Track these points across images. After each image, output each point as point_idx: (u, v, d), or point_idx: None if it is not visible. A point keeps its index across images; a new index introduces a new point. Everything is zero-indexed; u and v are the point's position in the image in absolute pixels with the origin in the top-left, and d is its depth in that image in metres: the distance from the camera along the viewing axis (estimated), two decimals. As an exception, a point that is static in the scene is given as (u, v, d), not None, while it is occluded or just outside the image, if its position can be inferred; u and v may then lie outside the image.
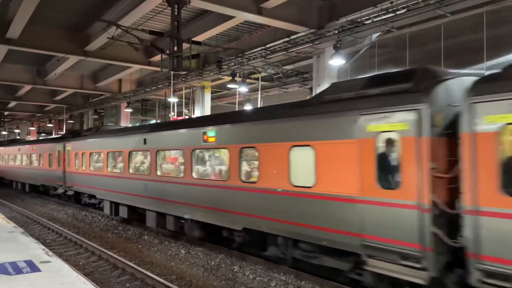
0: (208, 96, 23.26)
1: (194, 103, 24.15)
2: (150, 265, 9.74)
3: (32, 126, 44.48)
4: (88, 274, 8.74)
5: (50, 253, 5.97)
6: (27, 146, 26.50)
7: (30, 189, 25.24)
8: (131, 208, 13.86)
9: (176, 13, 11.70)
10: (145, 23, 14.99)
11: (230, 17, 14.19)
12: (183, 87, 22.72)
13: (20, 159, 26.97)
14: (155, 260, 10.21)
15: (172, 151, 12.17)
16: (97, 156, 16.42)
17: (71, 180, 18.45)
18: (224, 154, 10.07)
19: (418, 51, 12.38)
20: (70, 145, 18.68)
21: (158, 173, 12.20)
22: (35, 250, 6.11)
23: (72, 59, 19.27)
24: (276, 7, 13.27)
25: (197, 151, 10.75)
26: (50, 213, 18.50)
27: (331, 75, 14.82)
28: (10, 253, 5.81)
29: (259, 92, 21.23)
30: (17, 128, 47.40)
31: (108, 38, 12.67)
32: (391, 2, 11.32)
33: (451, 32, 11.46)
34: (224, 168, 10.10)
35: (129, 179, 13.61)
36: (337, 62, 13.23)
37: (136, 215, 13.85)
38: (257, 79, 21.32)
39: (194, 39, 13.88)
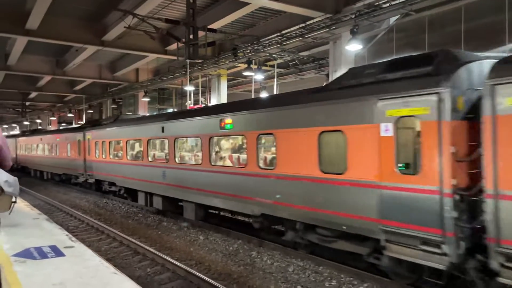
0: (224, 84, 23.32)
1: (210, 91, 24.23)
2: (170, 250, 9.94)
3: (53, 116, 45.40)
4: (110, 259, 8.98)
5: (74, 238, 6.13)
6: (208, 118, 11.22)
7: (200, 214, 12.08)
8: None
9: (191, 0, 11.70)
10: (160, 12, 15.04)
11: (245, 4, 14.10)
12: (199, 76, 22.79)
13: (190, 150, 13.39)
14: (175, 245, 10.41)
15: None
16: None
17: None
18: None
19: (438, 34, 12.11)
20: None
21: None
22: (59, 236, 6.28)
23: (90, 49, 19.54)
24: (291, -8, 13.13)
25: None
26: (73, 201, 18.97)
27: (348, 61, 14.63)
28: (35, 239, 5.99)
29: (275, 79, 21.13)
30: (39, 118, 48.44)
31: (124, 27, 12.77)
32: (410, -16, 11.05)
33: (472, 14, 11.17)
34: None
35: None
36: (354, 47, 13.04)
37: None
38: (273, 66, 21.20)
39: (210, 26, 13.87)
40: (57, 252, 5.75)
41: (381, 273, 7.41)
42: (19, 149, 34.42)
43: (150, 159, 14.02)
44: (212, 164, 10.92)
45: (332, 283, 7.51)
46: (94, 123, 20.97)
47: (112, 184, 17.53)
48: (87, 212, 15.63)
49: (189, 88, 21.77)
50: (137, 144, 15.72)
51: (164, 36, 17.22)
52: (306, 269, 8.25)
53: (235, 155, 11.48)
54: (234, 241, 10.41)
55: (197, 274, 7.67)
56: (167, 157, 12.95)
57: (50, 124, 46.01)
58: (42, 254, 5.62)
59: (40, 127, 44.29)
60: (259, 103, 9.82)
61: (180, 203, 13.08)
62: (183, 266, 8.15)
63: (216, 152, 11.39)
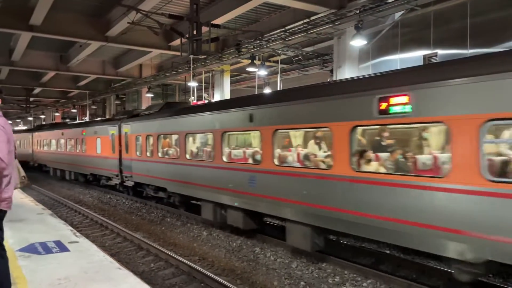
0: (227, 80, 23.31)
1: (213, 87, 24.22)
2: (173, 246, 9.96)
3: (57, 112, 45.53)
4: (114, 255, 9.00)
5: (78, 234, 6.17)
6: None
7: (318, 242, 8.28)
8: None
9: (195, -4, 11.67)
10: (164, 7, 15.00)
11: (249, -1, 14.04)
12: (203, 71, 22.77)
13: None
14: (178, 241, 10.43)
15: None
16: None
17: None
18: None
19: (443, 30, 12.01)
20: None
21: None
22: (63, 231, 6.33)
23: (94, 44, 19.52)
24: (295, -13, 13.07)
25: None
26: (77, 196, 19.04)
27: (352, 56, 14.59)
28: (40, 234, 6.04)
29: (279, 75, 21.08)
30: (43, 114, 48.59)
31: (128, 23, 12.75)
32: (415, -21, 10.97)
33: (478, 9, 11.06)
34: None
35: None
36: (358, 42, 12.97)
37: None
38: (276, 62, 21.16)
39: (213, 22, 13.82)
40: (61, 247, 5.80)
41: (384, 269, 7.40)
42: (35, 145, 30.86)
43: (225, 159, 10.19)
44: (356, 169, 6.86)
45: (335, 280, 7.50)
46: (132, 113, 17.31)
47: (159, 189, 14.10)
48: (91, 208, 15.68)
49: (193, 84, 21.76)
50: (202, 139, 12.29)
51: (167, 31, 17.21)
52: (309, 265, 8.24)
53: (407, 158, 7.06)
54: (237, 237, 10.41)
55: (201, 269, 7.68)
56: (259, 157, 9.27)
57: (54, 120, 46.13)
58: (47, 249, 5.67)
59: (62, 121, 40.54)
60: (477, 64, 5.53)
61: (265, 220, 10.14)
62: (186, 262, 8.16)
63: (362, 152, 7.24)
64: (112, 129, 17.34)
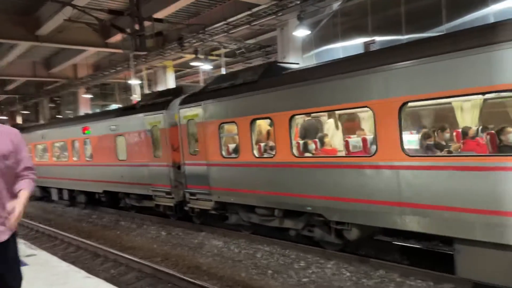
0: (171, 75, 22.82)
1: (156, 84, 23.61)
2: (132, 249, 9.64)
3: (-17, 120, 42.10)
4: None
5: (34, 246, 5.78)
6: None
7: None
8: None
9: (134, -11, 11.26)
10: (100, 3, 14.32)
11: (190, -8, 13.80)
12: (143, 68, 22.09)
13: None
14: (137, 244, 10.12)
15: None
16: None
17: None
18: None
19: (380, 17, 12.53)
20: None
21: None
22: (16, 245, 5.89)
23: (23, 45, 18.22)
24: (236, -22, 13.03)
25: None
26: (16, 208, 17.73)
27: (296, 47, 14.84)
28: (-10, 251, 5.57)
29: (223, 68, 20.98)
30: (-34, 123, 44.74)
31: (64, 20, 12.02)
32: (352, -31, 11.34)
33: (411, -4, 11.64)
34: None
35: None
36: (301, 33, 13.22)
37: None
38: (219, 55, 21.02)
39: (153, 16, 13.43)
40: (17, 262, 5.37)
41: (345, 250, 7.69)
42: None
43: None
44: None
45: (300, 264, 7.68)
46: (180, 91, 11.46)
47: (288, 214, 8.27)
48: (35, 219, 14.71)
49: (134, 81, 21.02)
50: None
51: (103, 28, 16.43)
52: (273, 253, 8.37)
53: None
54: (197, 234, 10.30)
55: (165, 270, 7.52)
56: None
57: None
58: (1, 266, 5.22)
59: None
60: None
61: None
62: (149, 264, 7.95)
63: None
64: (152, 120, 11.44)
